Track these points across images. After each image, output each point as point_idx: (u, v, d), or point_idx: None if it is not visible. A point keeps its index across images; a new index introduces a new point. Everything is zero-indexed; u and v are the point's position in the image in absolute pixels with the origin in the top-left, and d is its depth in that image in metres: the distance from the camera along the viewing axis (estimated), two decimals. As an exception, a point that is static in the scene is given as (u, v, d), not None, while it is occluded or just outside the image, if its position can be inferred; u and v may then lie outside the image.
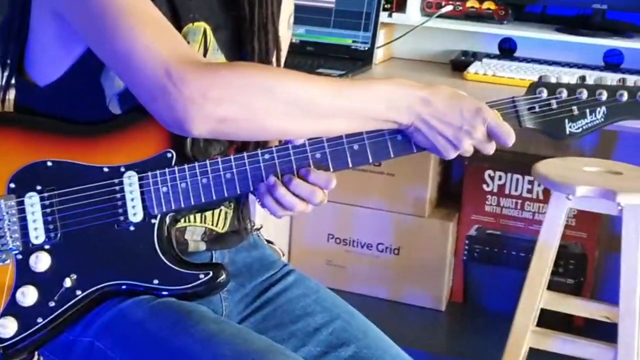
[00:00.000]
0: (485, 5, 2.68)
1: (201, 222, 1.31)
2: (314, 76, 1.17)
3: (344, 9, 2.63)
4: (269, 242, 1.47)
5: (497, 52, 2.77)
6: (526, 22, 2.75)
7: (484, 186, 2.80)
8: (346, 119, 1.17)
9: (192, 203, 1.19)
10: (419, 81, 1.20)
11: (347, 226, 2.90)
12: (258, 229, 1.44)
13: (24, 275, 1.19)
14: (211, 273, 1.21)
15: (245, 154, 1.19)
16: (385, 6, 2.68)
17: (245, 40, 1.30)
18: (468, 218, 2.84)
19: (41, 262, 1.19)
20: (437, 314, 2.84)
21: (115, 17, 1.10)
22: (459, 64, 2.66)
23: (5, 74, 1.31)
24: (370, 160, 1.21)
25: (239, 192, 1.20)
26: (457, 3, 2.70)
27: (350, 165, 1.21)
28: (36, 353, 1.32)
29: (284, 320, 1.31)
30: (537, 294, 2.14)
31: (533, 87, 1.24)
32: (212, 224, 1.32)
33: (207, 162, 1.19)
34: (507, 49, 2.77)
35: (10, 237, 1.20)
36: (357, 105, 1.16)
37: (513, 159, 2.81)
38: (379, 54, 2.70)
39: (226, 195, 1.20)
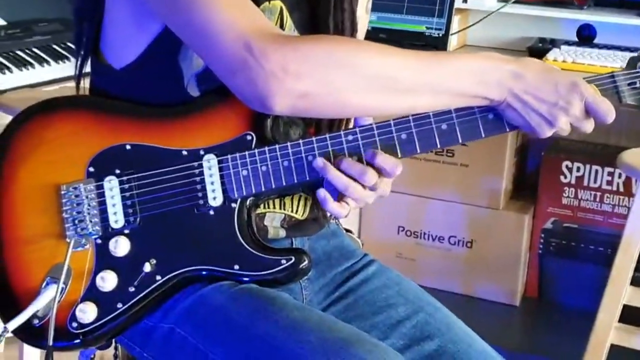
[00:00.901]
0: (564, -11, 2.59)
1: (280, 208, 1.27)
2: (397, 49, 1.10)
3: (418, -6, 2.58)
4: (347, 231, 1.43)
5: (575, 38, 2.68)
6: (606, 8, 2.66)
7: (562, 178, 2.71)
8: (431, 94, 1.10)
9: (273, 186, 1.15)
10: None
11: (418, 218, 2.84)
12: (337, 217, 1.39)
13: (104, 260, 1.17)
14: (293, 259, 1.16)
15: (327, 135, 1.15)
16: (460, -9, 2.62)
17: (321, 19, 1.25)
18: (544, 210, 2.75)
19: (121, 246, 1.17)
20: (511, 310, 2.77)
21: None
22: (536, 51, 2.58)
23: (81, 57, 1.29)
24: (460, 140, 1.15)
25: (321, 175, 1.15)
26: (535, -12, 2.62)
27: (439, 145, 1.15)
28: (113, 341, 1.30)
29: (365, 311, 1.26)
30: (621, 289, 2.05)
31: (633, 62, 1.17)
32: (292, 211, 1.27)
33: (288, 144, 1.15)
34: (586, 36, 2.67)
35: (90, 221, 1.17)
36: (444, 80, 1.10)
37: (592, 150, 2.72)
38: (453, 41, 2.63)
39: (308, 178, 1.15)
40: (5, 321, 1.16)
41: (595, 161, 2.67)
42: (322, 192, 1.14)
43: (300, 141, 1.15)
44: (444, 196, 2.79)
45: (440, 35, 2.56)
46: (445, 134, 1.14)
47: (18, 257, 1.18)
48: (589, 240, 2.72)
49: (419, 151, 1.16)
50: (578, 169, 2.70)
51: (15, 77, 2.11)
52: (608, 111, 1.11)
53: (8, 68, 2.12)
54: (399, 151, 1.14)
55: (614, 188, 2.66)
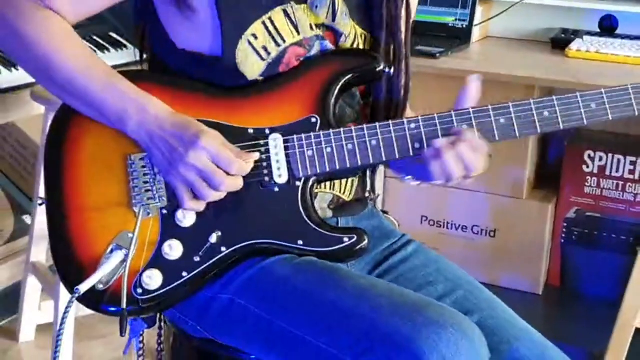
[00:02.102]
0: (588, -20, 2.61)
1: (330, 189, 1.31)
2: (84, 52, 1.21)
3: (441, -15, 2.60)
4: (384, 212, 1.47)
5: (597, 29, 2.70)
6: (628, -1, 2.68)
7: (584, 167, 2.73)
8: (80, 102, 1.21)
9: (337, 167, 1.21)
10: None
11: (442, 208, 2.86)
12: (375, 199, 1.43)
13: (170, 229, 1.21)
14: (355, 237, 1.21)
15: (390, 122, 1.21)
16: (484, -18, 2.64)
17: (374, 5, 1.30)
18: (567, 200, 2.77)
19: (188, 217, 1.21)
20: (534, 298, 2.79)
21: None
22: (559, 42, 2.61)
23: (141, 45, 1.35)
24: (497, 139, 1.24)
25: (384, 159, 1.21)
26: (557, -22, 2.64)
27: (497, 138, 1.22)
28: (157, 319, 1.33)
29: (406, 288, 1.29)
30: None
31: None
32: (340, 192, 1.32)
33: (352, 127, 1.21)
34: (608, 26, 2.69)
35: (157, 191, 1.21)
36: (93, 96, 1.19)
37: (614, 139, 2.74)
38: (475, 33, 2.65)
39: (371, 161, 1.21)
40: (71, 285, 1.19)
41: (618, 151, 2.69)
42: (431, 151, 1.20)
43: (365, 126, 1.21)
44: (467, 186, 2.80)
45: (464, 26, 2.59)
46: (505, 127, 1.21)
47: (83, 224, 1.22)
48: (611, 229, 2.74)
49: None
50: (600, 159, 2.72)
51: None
52: (229, 164, 1.15)
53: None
54: (496, 134, 1.22)
55: (636, 177, 2.68)
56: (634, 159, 2.66)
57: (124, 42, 2.54)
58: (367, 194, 1.38)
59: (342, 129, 1.21)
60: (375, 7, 1.30)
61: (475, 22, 2.62)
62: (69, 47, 1.20)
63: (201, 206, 1.19)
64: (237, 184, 1.17)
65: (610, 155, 2.70)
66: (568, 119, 1.21)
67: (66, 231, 1.22)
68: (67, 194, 1.22)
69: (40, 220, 2.26)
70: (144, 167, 1.21)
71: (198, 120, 1.19)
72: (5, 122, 2.43)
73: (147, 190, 1.21)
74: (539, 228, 2.76)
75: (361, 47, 1.32)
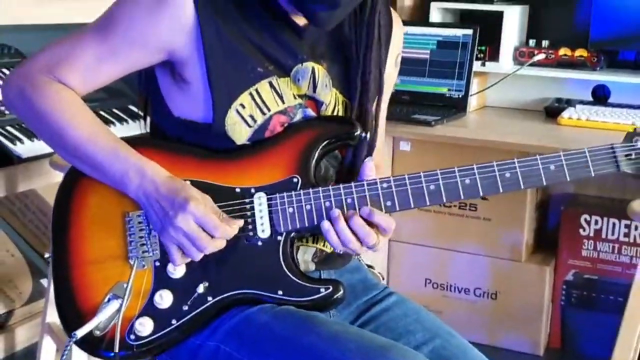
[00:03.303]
0: (578, 52, 2.74)
1: (314, 242, 1.41)
2: (94, 121, 1.32)
3: (439, 59, 2.74)
4: (369, 266, 1.56)
5: (590, 98, 2.81)
6: (620, 69, 2.80)
7: (581, 231, 2.82)
8: (89, 166, 1.32)
9: (316, 223, 1.31)
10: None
11: (444, 271, 2.95)
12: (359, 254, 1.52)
13: (162, 280, 1.32)
14: (331, 288, 1.31)
15: (364, 182, 1.31)
16: (479, 55, 2.78)
17: (351, 77, 1.42)
18: (565, 263, 2.85)
19: (178, 269, 1.32)
20: None
21: None
22: (553, 111, 2.73)
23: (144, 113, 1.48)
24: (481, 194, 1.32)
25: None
26: (550, 51, 2.77)
27: (462, 197, 1.31)
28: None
29: (385, 337, 1.37)
30: (634, 333, 2.14)
31: (630, 136, 1.33)
32: (323, 245, 1.42)
33: (330, 187, 1.32)
34: (601, 96, 2.81)
35: (151, 245, 1.33)
36: (100, 160, 1.30)
37: (610, 204, 2.82)
38: (472, 102, 2.78)
39: None
40: (70, 331, 1.31)
41: (613, 214, 2.77)
42: (327, 224, 1.30)
43: (341, 185, 1.32)
44: (468, 249, 2.90)
45: (461, 96, 2.72)
46: (470, 187, 1.31)
47: (84, 276, 1.33)
48: (608, 291, 2.81)
49: (444, 200, 1.32)
50: (596, 222, 2.80)
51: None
52: (214, 229, 1.25)
53: (60, 131, 2.28)
54: (427, 199, 1.31)
55: (631, 240, 2.76)
56: (628, 222, 2.74)
57: (141, 113, 2.67)
58: None
59: (320, 188, 1.32)
60: (351, 79, 1.42)
61: (472, 92, 2.75)
62: (78, 117, 1.32)
63: (189, 260, 1.30)
64: (220, 245, 1.28)
65: (605, 219, 2.79)
66: (528, 179, 1.30)
67: (69, 282, 1.33)
68: (71, 249, 1.34)
69: (56, 282, 2.35)
70: (140, 223, 1.33)
71: (190, 181, 1.31)
72: (27, 190, 2.55)
73: (143, 245, 1.33)
74: (538, 290, 2.83)
75: (341, 113, 1.42)
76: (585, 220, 2.81)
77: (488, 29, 2.78)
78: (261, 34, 1.34)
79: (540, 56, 2.77)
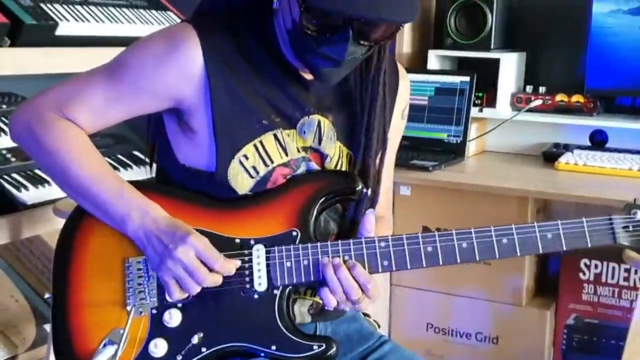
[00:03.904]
0: (575, 98, 2.77)
1: (310, 295, 1.42)
2: (98, 161, 1.35)
3: (437, 105, 2.78)
4: (365, 315, 1.57)
5: (588, 143, 2.84)
6: (617, 114, 2.82)
7: (581, 275, 2.83)
8: (90, 204, 1.34)
9: (312, 279, 1.32)
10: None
11: (446, 315, 2.96)
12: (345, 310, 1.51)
13: (157, 328, 1.33)
14: (324, 346, 1.31)
15: (362, 240, 1.32)
16: (476, 102, 2.81)
17: (354, 132, 1.43)
18: (566, 307, 2.86)
19: (174, 318, 1.33)
20: (537, 404, 2.84)
21: None
22: (550, 156, 2.75)
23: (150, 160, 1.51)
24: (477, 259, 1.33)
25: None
26: (547, 97, 2.80)
27: (459, 261, 1.32)
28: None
29: (381, 383, 1.40)
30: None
31: (629, 208, 1.33)
32: (319, 298, 1.41)
33: (328, 243, 1.32)
34: (598, 141, 2.83)
35: (149, 293, 1.34)
36: (103, 200, 1.32)
37: (609, 248, 2.82)
38: (471, 147, 2.82)
39: None
40: None
41: (612, 259, 2.78)
42: (338, 260, 1.31)
43: (339, 242, 1.33)
44: (469, 293, 2.91)
45: (459, 142, 2.75)
46: (466, 251, 1.31)
47: (81, 319, 1.35)
48: (610, 335, 2.81)
49: (441, 263, 1.32)
50: (596, 266, 2.81)
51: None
52: (214, 261, 1.28)
53: (64, 178, 2.31)
54: (424, 261, 1.31)
55: (631, 284, 2.77)
56: (628, 266, 2.75)
57: (146, 159, 2.70)
58: None
59: (319, 244, 1.32)
60: (354, 134, 1.43)
61: (470, 137, 2.79)
62: (85, 156, 1.34)
63: (186, 296, 1.31)
64: (217, 280, 1.29)
65: (605, 263, 2.80)
66: (524, 247, 1.30)
67: (67, 324, 1.34)
68: (70, 290, 1.35)
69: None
70: (139, 269, 1.34)
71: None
72: (32, 235, 2.58)
73: (140, 291, 1.34)
74: (539, 334, 2.83)
75: (344, 167, 1.43)
76: (585, 264, 2.82)
77: (485, 76, 2.83)
78: (269, 86, 1.36)
79: (537, 102, 2.80)
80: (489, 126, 2.89)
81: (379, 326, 1.57)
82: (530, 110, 2.81)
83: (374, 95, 1.41)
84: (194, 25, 1.35)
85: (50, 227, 2.39)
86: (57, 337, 1.36)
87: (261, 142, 1.36)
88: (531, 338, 2.84)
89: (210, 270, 1.29)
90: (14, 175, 2.21)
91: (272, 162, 1.37)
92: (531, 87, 2.87)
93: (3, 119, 2.36)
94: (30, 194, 2.20)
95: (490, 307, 2.88)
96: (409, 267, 1.31)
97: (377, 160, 1.45)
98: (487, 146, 2.98)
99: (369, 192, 1.42)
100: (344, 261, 1.31)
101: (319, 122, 1.40)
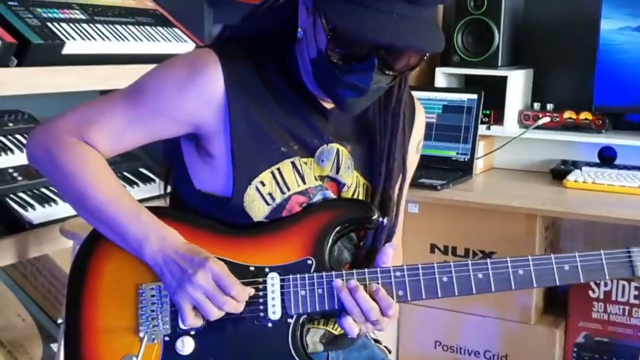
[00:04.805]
0: (583, 115, 2.76)
1: (324, 325, 1.41)
2: (116, 187, 1.34)
3: (445, 123, 2.78)
4: (376, 341, 1.57)
5: (597, 160, 2.82)
6: (626, 130, 2.81)
7: (590, 292, 2.81)
8: (106, 228, 1.34)
9: (327, 308, 1.30)
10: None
11: (455, 333, 2.93)
12: (365, 333, 1.50)
13: (170, 356, 1.32)
14: None
15: (378, 269, 1.32)
16: (484, 119, 2.81)
17: (374, 162, 1.43)
18: (575, 325, 2.83)
19: (187, 346, 1.31)
20: None
21: None
22: (558, 173, 2.74)
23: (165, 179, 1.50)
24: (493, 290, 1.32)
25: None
26: (554, 115, 2.79)
27: (474, 292, 1.30)
28: None
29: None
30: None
31: None
32: (332, 328, 1.41)
33: (343, 272, 1.31)
34: (607, 157, 2.82)
35: (162, 320, 1.32)
36: (119, 225, 1.32)
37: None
38: (479, 165, 2.81)
39: None
40: None
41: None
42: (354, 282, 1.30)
43: (354, 271, 1.32)
44: (478, 311, 2.88)
45: (467, 159, 2.75)
46: (482, 282, 1.30)
47: (93, 345, 1.33)
48: (620, 353, 2.78)
49: (456, 294, 1.31)
50: (606, 284, 2.79)
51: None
52: (231, 286, 1.26)
53: (70, 197, 2.31)
54: (439, 291, 1.30)
55: (642, 302, 2.75)
56: (638, 284, 2.73)
57: (153, 176, 2.70)
58: None
59: (334, 273, 1.31)
60: (375, 164, 1.43)
61: (478, 155, 2.78)
62: (102, 180, 1.33)
63: (200, 322, 1.29)
64: (237, 307, 1.28)
65: (615, 281, 2.77)
66: (540, 278, 1.29)
67: (79, 349, 1.33)
68: (83, 315, 1.34)
69: (66, 347, 2.36)
70: (153, 296, 1.33)
71: None
72: (39, 255, 2.57)
73: (153, 318, 1.32)
74: (548, 353, 2.80)
75: (361, 196, 1.43)
76: (595, 282, 2.79)
77: (492, 93, 2.82)
78: (288, 114, 1.37)
79: (545, 119, 2.79)
80: (497, 143, 2.88)
81: (389, 352, 1.56)
82: (538, 128, 2.80)
83: (394, 126, 1.41)
84: (215, 50, 1.35)
85: (57, 247, 2.39)
86: None
87: (279, 170, 1.36)
88: (540, 356, 2.81)
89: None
90: (21, 194, 2.21)
91: (288, 189, 1.36)
92: (538, 104, 2.86)
93: (9, 137, 2.37)
94: (37, 213, 2.20)
95: (499, 325, 2.86)
96: (424, 297, 1.31)
97: (397, 190, 1.45)
98: (495, 163, 2.97)
99: (386, 221, 1.41)
100: (364, 285, 1.30)
101: (338, 151, 1.40)
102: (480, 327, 2.88)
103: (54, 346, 2.66)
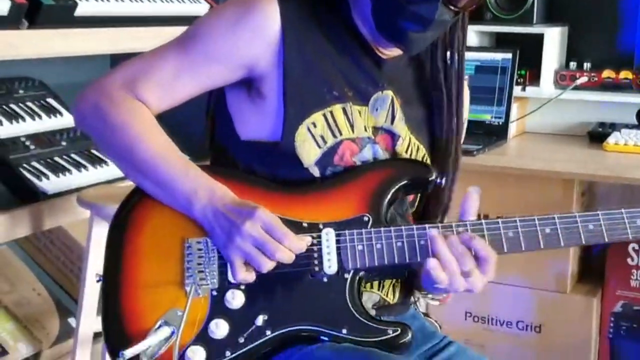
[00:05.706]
0: (623, 74, 2.65)
1: (378, 289, 1.35)
2: (167, 145, 1.31)
3: (478, 85, 2.65)
4: (425, 314, 1.50)
5: (634, 121, 2.72)
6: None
7: (629, 260, 2.71)
8: (152, 183, 1.31)
9: (386, 262, 1.26)
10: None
11: (486, 304, 2.84)
12: (416, 301, 1.46)
13: (218, 309, 1.26)
14: (399, 330, 1.25)
15: (439, 224, 1.27)
16: (518, 80, 2.69)
17: (437, 119, 1.40)
18: (613, 294, 2.74)
19: (237, 299, 1.26)
20: (584, 395, 2.73)
21: None
22: (596, 136, 2.64)
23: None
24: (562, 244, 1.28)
25: (430, 246, 1.25)
26: (592, 74, 2.68)
27: (542, 246, 1.27)
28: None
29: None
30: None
31: None
32: (386, 294, 1.35)
33: (402, 227, 1.27)
34: (646, 118, 2.72)
35: (209, 274, 1.27)
36: (167, 179, 1.29)
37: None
38: (512, 129, 2.69)
39: (419, 259, 1.25)
40: (116, 352, 1.24)
41: (662, 243, 2.67)
42: (434, 262, 1.23)
43: (414, 226, 1.27)
44: (510, 281, 2.79)
45: (501, 123, 2.63)
46: (550, 237, 1.25)
47: (135, 299, 1.29)
48: (660, 322, 2.70)
49: (523, 249, 1.27)
50: (645, 251, 2.70)
51: (92, 174, 2.23)
52: (283, 236, 1.22)
53: (84, 166, 2.23)
54: (504, 246, 1.26)
55: (682, 269, 2.66)
56: (679, 250, 2.64)
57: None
58: (409, 298, 1.41)
59: (392, 227, 1.27)
60: (436, 121, 1.40)
61: (512, 118, 2.66)
62: (152, 134, 1.31)
63: (252, 277, 1.24)
64: (290, 256, 1.23)
65: (654, 247, 2.69)
66: (612, 232, 1.25)
67: (119, 303, 1.29)
68: (124, 270, 1.30)
69: (85, 322, 2.28)
70: (200, 249, 1.28)
71: None
72: (53, 227, 2.50)
73: (200, 272, 1.27)
74: (585, 322, 2.72)
75: (414, 154, 1.39)
76: (634, 248, 2.70)
77: (526, 52, 2.69)
78: (343, 58, 1.34)
79: (583, 79, 2.68)
80: (530, 106, 2.77)
81: (440, 327, 1.48)
82: (575, 88, 2.68)
83: (460, 86, 1.39)
84: None
85: (73, 218, 2.32)
86: (107, 316, 1.31)
87: (331, 113, 1.33)
88: (576, 326, 2.73)
89: None
90: (34, 164, 2.14)
91: (340, 133, 1.33)
92: (574, 63, 2.74)
93: (20, 104, 2.28)
94: (51, 183, 2.12)
95: (532, 294, 2.77)
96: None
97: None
98: (528, 127, 2.86)
99: (449, 180, 1.39)
100: (458, 233, 1.25)
101: (393, 100, 1.36)
102: (512, 296, 2.79)
103: (72, 321, 2.59)
